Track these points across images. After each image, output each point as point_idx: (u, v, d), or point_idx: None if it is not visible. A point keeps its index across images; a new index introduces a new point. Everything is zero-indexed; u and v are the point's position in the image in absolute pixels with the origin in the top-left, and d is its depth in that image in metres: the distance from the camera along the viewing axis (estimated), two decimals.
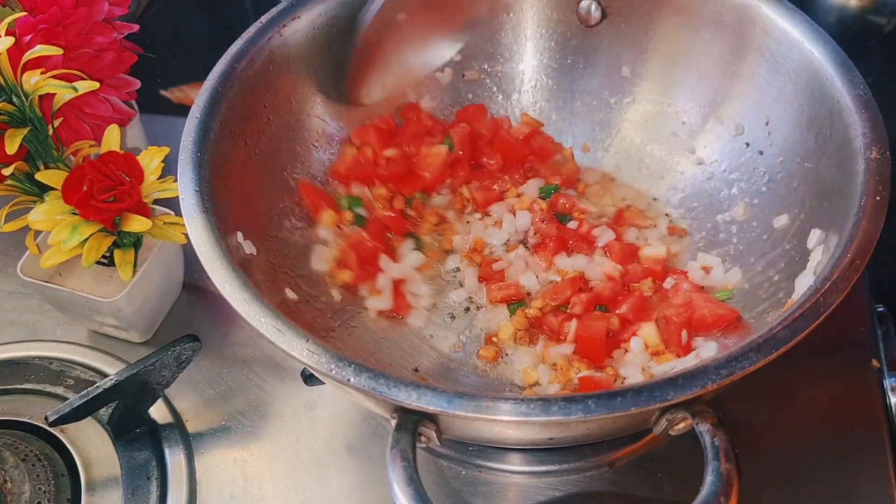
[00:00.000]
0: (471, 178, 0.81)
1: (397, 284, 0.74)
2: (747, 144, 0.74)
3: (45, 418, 0.64)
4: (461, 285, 0.75)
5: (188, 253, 0.71)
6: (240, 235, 0.62)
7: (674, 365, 0.65)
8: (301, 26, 0.73)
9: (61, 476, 0.67)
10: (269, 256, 0.68)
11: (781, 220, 0.68)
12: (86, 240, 0.66)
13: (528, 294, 0.74)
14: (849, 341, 0.74)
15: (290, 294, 0.66)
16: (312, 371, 0.53)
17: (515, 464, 0.68)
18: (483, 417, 0.46)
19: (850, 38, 1.02)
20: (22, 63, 0.65)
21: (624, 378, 0.67)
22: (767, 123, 0.71)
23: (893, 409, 0.70)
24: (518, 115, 0.86)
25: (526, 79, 0.85)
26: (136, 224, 0.67)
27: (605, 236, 0.75)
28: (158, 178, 0.70)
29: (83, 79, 0.69)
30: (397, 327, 0.72)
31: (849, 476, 0.66)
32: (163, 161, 0.70)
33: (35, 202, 0.68)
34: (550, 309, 0.71)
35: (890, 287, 0.83)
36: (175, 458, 0.70)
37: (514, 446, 0.67)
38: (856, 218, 0.55)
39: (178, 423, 0.72)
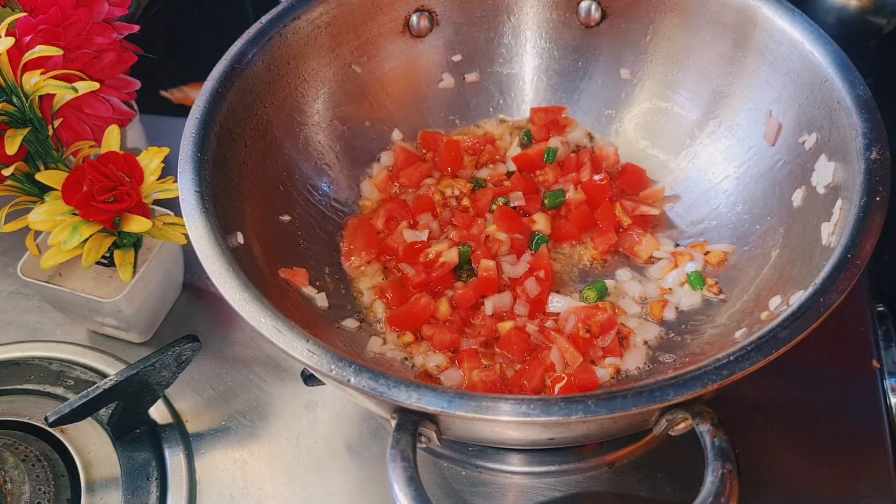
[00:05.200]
0: None
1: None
2: (749, 146, 0.74)
3: (45, 419, 0.64)
4: None
5: (188, 253, 0.71)
6: (240, 236, 0.62)
7: None
8: (301, 27, 0.73)
9: (61, 476, 0.67)
10: (270, 257, 0.68)
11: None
12: (86, 240, 0.66)
13: None
14: (849, 341, 0.74)
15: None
16: (313, 371, 0.53)
17: (515, 464, 0.68)
18: (483, 418, 0.46)
19: (849, 38, 1.02)
20: (22, 63, 0.65)
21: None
22: (770, 115, 0.71)
23: (894, 410, 0.70)
24: (521, 118, 0.86)
25: (527, 80, 0.85)
26: (136, 224, 0.67)
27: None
28: (158, 179, 0.70)
29: (83, 79, 0.69)
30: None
31: (849, 476, 0.66)
32: (163, 161, 0.70)
33: (35, 202, 0.68)
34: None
35: (890, 287, 0.84)
36: (175, 459, 0.70)
37: (515, 447, 0.67)
38: (856, 218, 0.55)
39: (178, 424, 0.72)
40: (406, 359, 0.69)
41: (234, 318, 0.78)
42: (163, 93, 1.08)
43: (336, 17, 0.75)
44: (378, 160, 0.82)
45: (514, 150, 0.83)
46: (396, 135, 0.83)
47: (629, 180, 0.80)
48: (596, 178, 0.78)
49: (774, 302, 0.60)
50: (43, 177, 0.66)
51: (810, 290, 0.52)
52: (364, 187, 0.81)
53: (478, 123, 0.86)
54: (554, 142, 0.82)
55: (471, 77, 0.85)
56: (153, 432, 0.71)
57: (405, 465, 0.46)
